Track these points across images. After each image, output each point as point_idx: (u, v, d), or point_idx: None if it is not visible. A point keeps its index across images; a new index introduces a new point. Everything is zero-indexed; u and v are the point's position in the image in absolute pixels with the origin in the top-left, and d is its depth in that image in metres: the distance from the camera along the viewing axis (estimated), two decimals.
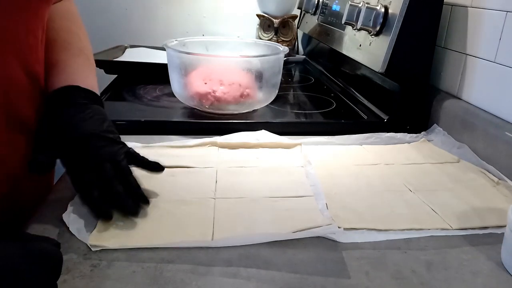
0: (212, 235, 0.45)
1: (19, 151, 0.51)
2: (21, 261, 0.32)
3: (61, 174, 0.59)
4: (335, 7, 1.07)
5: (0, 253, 0.32)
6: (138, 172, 0.58)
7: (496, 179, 0.59)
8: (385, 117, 0.81)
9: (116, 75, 1.07)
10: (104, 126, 0.50)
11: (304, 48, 1.53)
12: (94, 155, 0.48)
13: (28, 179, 0.54)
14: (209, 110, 0.80)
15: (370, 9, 0.79)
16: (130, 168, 0.50)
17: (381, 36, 0.78)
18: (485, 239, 0.47)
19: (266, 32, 1.38)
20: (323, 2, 1.19)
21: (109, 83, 1.02)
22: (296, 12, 1.40)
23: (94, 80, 0.57)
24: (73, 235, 0.44)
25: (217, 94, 0.78)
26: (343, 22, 0.87)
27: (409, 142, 0.74)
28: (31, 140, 0.50)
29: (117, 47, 1.20)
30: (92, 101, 0.53)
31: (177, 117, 0.82)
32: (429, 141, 0.74)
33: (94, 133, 0.49)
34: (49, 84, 0.54)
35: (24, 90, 0.51)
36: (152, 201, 0.51)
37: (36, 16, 0.50)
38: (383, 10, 0.78)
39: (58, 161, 0.50)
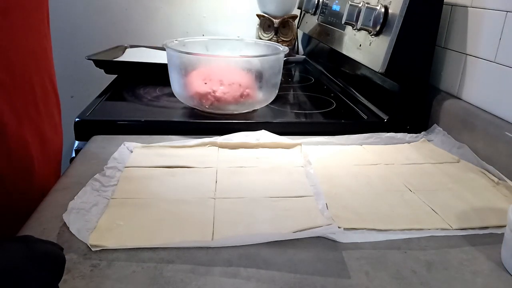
0: (212, 235, 0.45)
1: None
2: (24, 262, 0.32)
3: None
4: (335, 7, 1.07)
5: (4, 254, 0.32)
6: (138, 172, 0.58)
7: (496, 179, 0.59)
8: (385, 117, 0.81)
9: (116, 75, 1.07)
10: None
11: (304, 48, 1.53)
12: None
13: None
14: (209, 110, 0.80)
15: (370, 9, 0.79)
16: None
17: (381, 36, 0.78)
18: (485, 239, 0.47)
19: (266, 32, 1.38)
20: (323, 2, 1.19)
21: (109, 83, 1.02)
22: (296, 12, 1.40)
23: None
24: (73, 235, 0.44)
25: (217, 94, 0.78)
26: (343, 22, 0.87)
27: (409, 142, 0.74)
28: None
29: (117, 47, 1.20)
30: None
31: (177, 117, 0.82)
32: (429, 141, 0.74)
33: None
34: None
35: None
36: (152, 201, 0.51)
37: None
38: (383, 10, 0.77)
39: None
